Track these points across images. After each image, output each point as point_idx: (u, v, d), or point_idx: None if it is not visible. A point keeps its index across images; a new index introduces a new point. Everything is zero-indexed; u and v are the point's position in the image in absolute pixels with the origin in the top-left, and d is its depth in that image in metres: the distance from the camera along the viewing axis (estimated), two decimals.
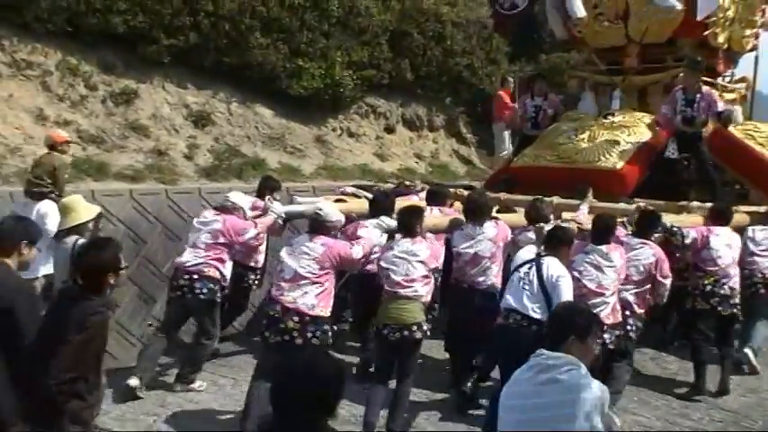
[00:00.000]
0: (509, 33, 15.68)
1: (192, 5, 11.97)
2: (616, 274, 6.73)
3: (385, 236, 7.07)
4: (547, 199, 8.22)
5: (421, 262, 6.52)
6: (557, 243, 6.46)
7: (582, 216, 7.94)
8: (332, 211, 6.75)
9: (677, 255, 8.16)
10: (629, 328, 7.05)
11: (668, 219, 8.11)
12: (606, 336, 6.38)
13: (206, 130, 12.14)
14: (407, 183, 11.08)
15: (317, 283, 6.28)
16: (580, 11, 11.80)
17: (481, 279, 7.22)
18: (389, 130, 15.21)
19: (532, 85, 12.84)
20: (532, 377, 3.59)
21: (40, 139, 9.58)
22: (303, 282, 6.25)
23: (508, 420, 3.64)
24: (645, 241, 7.33)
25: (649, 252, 7.22)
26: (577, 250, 6.83)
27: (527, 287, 6.24)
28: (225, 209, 7.70)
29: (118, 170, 10.34)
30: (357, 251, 6.56)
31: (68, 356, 4.16)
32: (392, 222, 7.13)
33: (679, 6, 11.22)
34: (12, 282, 4.52)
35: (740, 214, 8.89)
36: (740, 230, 8.65)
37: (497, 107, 15.05)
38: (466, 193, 9.06)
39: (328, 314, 6.37)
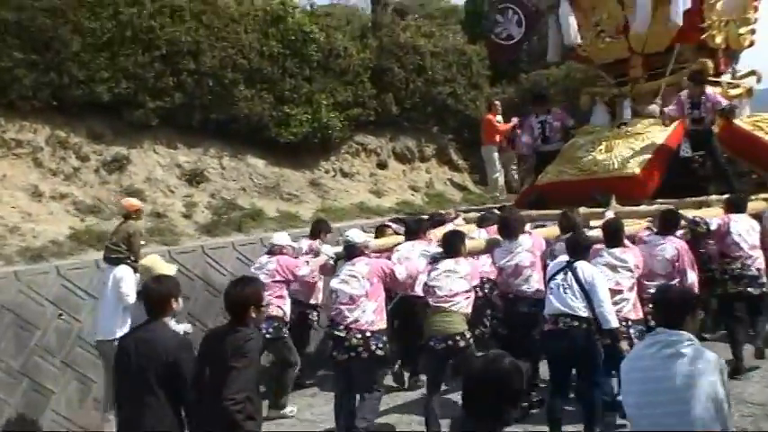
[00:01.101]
0: (505, 61, 16.35)
1: (174, 66, 12.05)
2: (630, 273, 7.32)
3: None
4: (564, 209, 8.83)
5: (462, 278, 7.24)
6: (582, 248, 7.15)
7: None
8: (356, 234, 7.70)
9: (702, 249, 8.71)
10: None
11: (690, 213, 8.73)
12: (632, 331, 7.06)
13: (201, 188, 12.16)
14: (442, 211, 11.61)
15: (371, 300, 7.09)
16: (576, 38, 12.61)
17: (525, 287, 7.78)
18: (382, 165, 15.25)
19: (534, 105, 13.47)
20: (656, 352, 4.04)
21: (38, 215, 9.61)
22: (360, 301, 7.05)
23: (636, 390, 4.11)
24: (668, 237, 7.92)
25: (671, 247, 7.80)
26: (593, 255, 7.39)
27: (568, 291, 6.80)
28: (274, 251, 8.45)
29: None
30: (400, 269, 7.52)
31: (236, 380, 4.74)
32: (434, 250, 8.01)
33: (644, 28, 11.70)
34: (175, 340, 5.12)
35: (758, 202, 9.47)
36: (758, 216, 9.08)
37: (486, 131, 15.12)
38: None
39: (385, 326, 7.20)
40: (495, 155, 15.14)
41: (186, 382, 4.90)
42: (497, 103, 15.74)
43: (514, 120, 15.09)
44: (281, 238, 8.75)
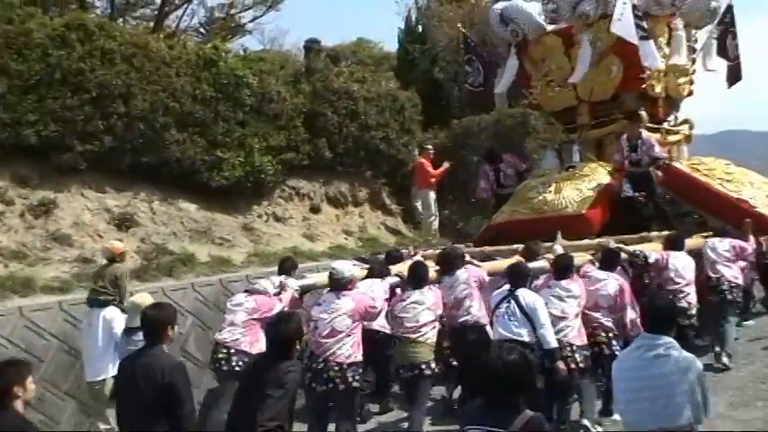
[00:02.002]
0: (478, 106, 17.01)
1: (104, 109, 11.88)
2: (576, 301, 7.96)
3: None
4: (521, 245, 9.68)
5: (428, 309, 7.77)
6: (522, 277, 7.90)
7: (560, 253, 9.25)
8: (345, 266, 7.98)
9: (647, 280, 9.58)
10: (614, 346, 8.13)
11: (631, 247, 9.66)
12: (576, 355, 7.72)
13: (131, 232, 11.94)
14: (402, 249, 11.99)
15: (351, 335, 7.36)
16: (503, 86, 13.87)
17: (467, 318, 8.28)
18: (315, 210, 15.24)
19: (487, 162, 14.51)
20: (642, 354, 4.74)
21: None
22: (339, 336, 7.31)
23: (627, 387, 4.79)
24: (609, 273, 8.60)
25: (614, 283, 8.47)
26: (542, 286, 8.22)
27: (513, 318, 7.52)
28: (253, 291, 8.65)
29: (44, 283, 10.05)
30: (379, 303, 7.82)
31: (270, 408, 5.18)
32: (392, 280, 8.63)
33: (581, 76, 12.53)
34: (169, 362, 5.40)
35: (697, 239, 10.42)
36: (697, 252, 9.94)
37: (421, 175, 15.27)
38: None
39: (361, 359, 7.47)
40: (432, 198, 15.31)
41: (181, 402, 5.24)
42: (430, 147, 15.95)
43: (446, 164, 15.31)
44: (265, 284, 8.84)
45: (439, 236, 15.36)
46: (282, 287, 8.73)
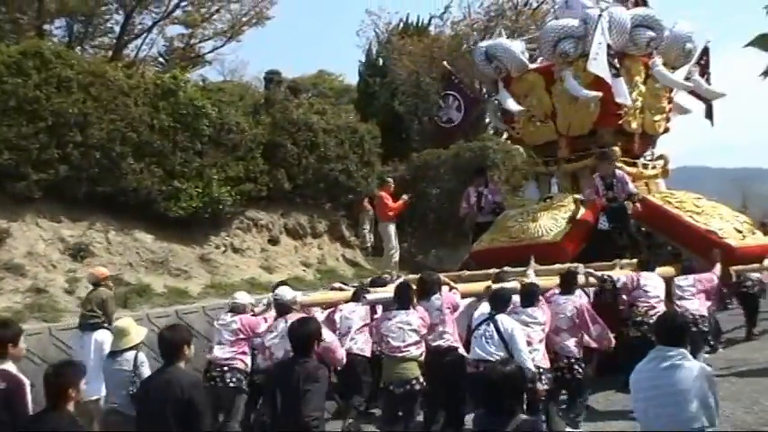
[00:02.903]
0: (449, 143, 17.37)
1: (60, 138, 11.77)
2: (541, 328, 8.34)
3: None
4: (499, 270, 10.13)
5: (413, 330, 8.01)
6: (502, 302, 8.25)
7: (532, 277, 9.77)
8: (286, 291, 8.46)
9: (622, 306, 10.09)
10: (575, 370, 8.61)
11: (600, 273, 10.22)
12: (542, 377, 8.06)
13: (85, 262, 11.76)
14: (385, 276, 12.29)
15: None
16: (515, 106, 13.77)
17: (440, 342, 8.39)
18: (273, 241, 15.16)
19: (474, 177, 14.95)
20: (656, 365, 5.07)
21: None
22: None
23: (644, 396, 5.11)
24: (569, 297, 9.05)
25: (571, 306, 8.91)
26: (509, 312, 8.32)
27: (490, 341, 7.84)
28: (237, 310, 8.75)
29: None
30: (327, 334, 7.71)
31: (312, 401, 5.65)
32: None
33: (592, 95, 12.79)
34: (188, 380, 5.62)
35: (669, 268, 10.95)
36: (668, 281, 10.49)
37: (381, 208, 15.30)
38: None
39: None
40: (392, 231, 15.34)
41: (200, 415, 5.47)
42: (390, 180, 15.99)
43: (405, 197, 15.38)
44: (243, 297, 9.06)
45: (398, 268, 15.36)
46: (269, 306, 8.87)
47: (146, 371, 7.18)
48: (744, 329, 13.29)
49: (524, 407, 5.05)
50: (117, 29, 20.39)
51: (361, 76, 24.25)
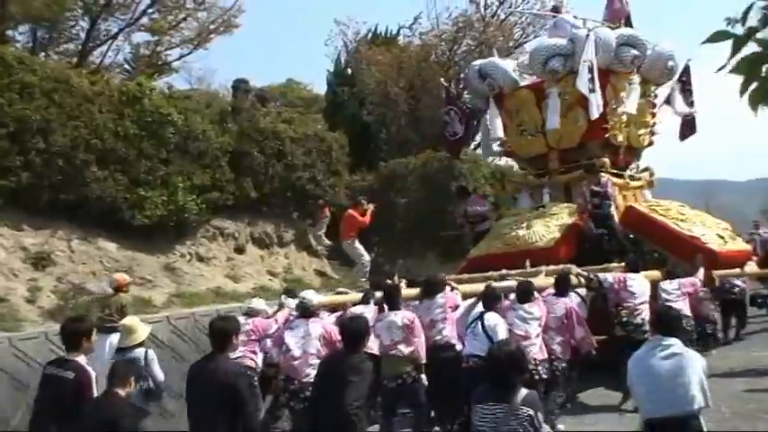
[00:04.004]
0: (455, 154, 17.66)
1: (22, 144, 11.60)
2: (537, 322, 8.98)
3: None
4: (496, 273, 10.82)
5: (400, 328, 8.56)
6: (491, 300, 8.82)
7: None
8: (312, 295, 8.91)
9: (613, 308, 10.42)
10: (554, 366, 9.10)
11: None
12: (539, 368, 8.68)
13: (47, 271, 11.58)
14: (388, 281, 12.40)
15: (319, 358, 7.91)
16: (499, 133, 14.91)
17: (438, 338, 8.92)
18: (239, 250, 15.06)
19: (458, 197, 16.16)
20: (656, 353, 5.66)
21: None
22: (309, 358, 8.11)
23: (646, 381, 5.65)
24: (561, 299, 9.62)
25: (562, 306, 9.51)
26: (508, 308, 9.11)
27: (477, 337, 8.42)
28: (251, 314, 9.23)
29: None
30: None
31: (355, 391, 6.09)
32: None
33: (556, 125, 13.77)
34: (233, 367, 6.16)
35: (655, 272, 11.47)
36: (654, 284, 10.98)
37: (346, 225, 15.22)
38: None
39: None
40: (357, 246, 15.30)
41: (245, 402, 5.90)
42: (364, 201, 15.83)
43: (371, 206, 15.35)
44: (259, 303, 9.61)
45: (368, 278, 15.32)
46: (281, 307, 9.41)
47: (156, 366, 7.96)
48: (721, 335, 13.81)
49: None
50: (82, 35, 20.16)
51: (329, 86, 24.22)
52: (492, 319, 8.54)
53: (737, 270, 13.02)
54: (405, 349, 8.54)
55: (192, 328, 11.42)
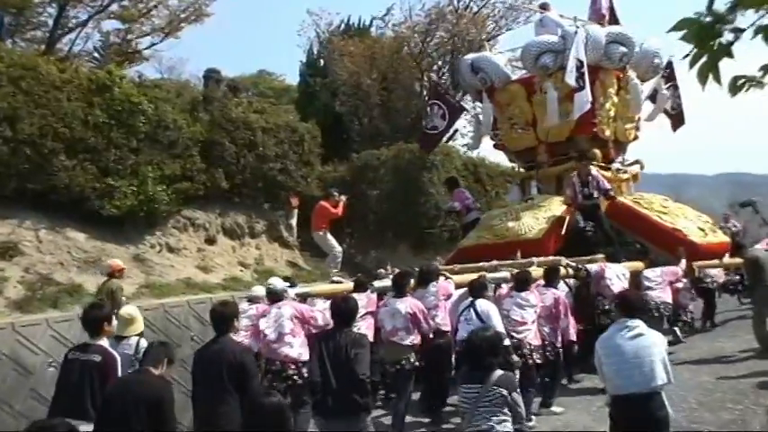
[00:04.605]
0: (430, 149, 17.85)
1: None
2: (533, 309, 9.44)
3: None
4: (488, 264, 11.13)
5: (402, 316, 8.96)
6: (479, 289, 9.26)
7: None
8: (277, 281, 9.48)
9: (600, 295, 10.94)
10: (548, 352, 9.56)
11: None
12: (535, 354, 9.19)
13: (14, 261, 11.39)
14: (381, 270, 13.22)
15: (295, 336, 8.54)
16: (487, 129, 15.87)
17: (431, 324, 9.35)
18: (210, 241, 14.93)
19: (448, 188, 16.72)
20: (623, 334, 6.08)
21: None
22: (285, 338, 8.51)
23: (613, 360, 6.03)
24: (550, 289, 10.06)
25: (551, 296, 9.92)
26: (506, 296, 9.66)
27: (471, 323, 8.65)
28: (253, 300, 9.82)
29: None
30: (318, 316, 8.84)
31: (362, 362, 6.53)
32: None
33: (557, 121, 14.11)
34: (239, 346, 6.80)
35: (638, 262, 12.17)
36: (637, 274, 11.65)
37: (317, 216, 15.14)
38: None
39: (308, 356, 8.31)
40: (329, 239, 15.25)
41: (249, 376, 6.39)
42: (336, 192, 15.76)
43: (343, 198, 15.30)
44: (260, 290, 10.03)
45: (339, 269, 15.28)
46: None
47: None
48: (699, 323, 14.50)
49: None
50: (50, 22, 19.85)
51: (301, 77, 24.14)
52: (484, 304, 8.96)
53: (717, 261, 13.58)
54: (405, 337, 8.99)
55: (162, 318, 11.29)
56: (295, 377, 8.40)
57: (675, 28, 3.09)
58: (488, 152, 24.72)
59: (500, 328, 8.53)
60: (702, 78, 3.22)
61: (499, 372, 5.61)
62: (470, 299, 9.18)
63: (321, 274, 14.97)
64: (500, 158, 22.91)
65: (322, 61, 24.27)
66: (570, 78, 13.51)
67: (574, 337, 9.98)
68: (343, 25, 25.67)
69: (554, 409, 9.48)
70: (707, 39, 3.01)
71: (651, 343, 6.04)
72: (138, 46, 22.32)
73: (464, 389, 5.74)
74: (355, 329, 9.29)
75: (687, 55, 3.12)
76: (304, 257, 16.84)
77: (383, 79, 23.13)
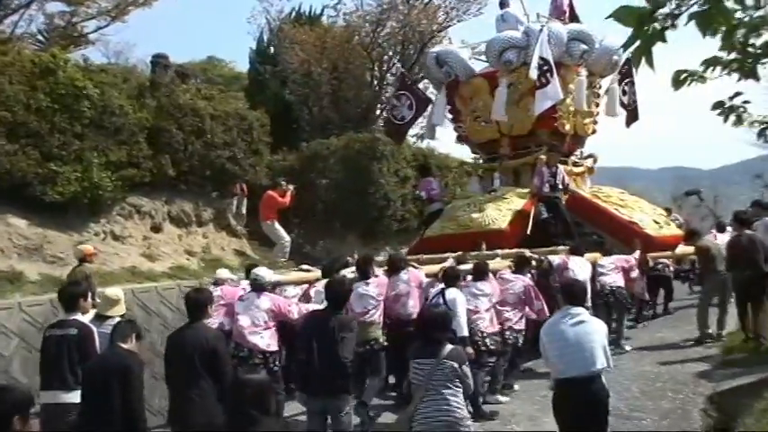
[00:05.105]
0: (400, 139, 18.38)
1: None
2: (487, 298, 9.80)
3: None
4: (454, 255, 11.48)
5: (371, 298, 9.36)
6: (451, 278, 9.64)
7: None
8: (265, 272, 9.43)
9: (556, 283, 11.08)
10: (507, 336, 9.99)
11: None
12: (487, 340, 9.58)
13: None
14: (348, 258, 13.06)
15: (267, 329, 8.80)
16: (440, 121, 16.43)
17: (403, 311, 9.78)
18: (156, 229, 14.73)
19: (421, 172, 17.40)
20: (566, 321, 6.46)
21: None
22: (257, 329, 8.75)
23: (557, 345, 6.41)
24: (518, 276, 10.45)
25: (521, 284, 10.35)
26: (462, 286, 9.83)
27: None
28: (218, 282, 10.21)
29: None
30: (294, 309, 9.08)
31: (348, 346, 6.94)
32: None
33: (503, 117, 14.92)
34: (212, 332, 7.00)
35: (594, 254, 12.56)
36: (594, 264, 12.04)
37: (265, 206, 15.03)
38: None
39: (277, 348, 8.96)
40: (277, 228, 15.15)
41: (223, 363, 6.63)
42: (284, 183, 15.61)
43: (291, 187, 15.22)
44: (224, 273, 10.78)
45: (287, 259, 15.22)
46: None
47: None
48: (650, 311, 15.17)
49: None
50: None
51: (251, 64, 23.90)
52: (452, 293, 9.32)
53: (669, 253, 14.10)
54: (376, 315, 9.39)
55: None
56: (260, 367, 8.52)
57: (614, 15, 3.09)
58: (438, 143, 24.82)
59: (463, 317, 9.12)
60: (636, 62, 3.26)
61: (450, 346, 6.04)
62: (441, 286, 9.61)
63: (269, 263, 14.83)
64: (450, 149, 23.02)
65: (272, 49, 24.04)
66: (533, 74, 13.97)
67: (548, 315, 10.10)
68: (294, 13, 25.47)
69: (498, 397, 9.86)
70: (643, 24, 3.04)
71: (593, 330, 6.41)
72: (84, 29, 21.79)
73: (417, 363, 6.08)
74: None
75: (624, 45, 3.14)
76: (252, 246, 16.74)
77: (334, 68, 23.03)
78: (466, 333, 9.15)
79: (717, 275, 11.96)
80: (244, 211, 16.77)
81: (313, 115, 22.66)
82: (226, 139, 16.07)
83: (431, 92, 18.88)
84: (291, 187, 15.25)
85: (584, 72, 15.63)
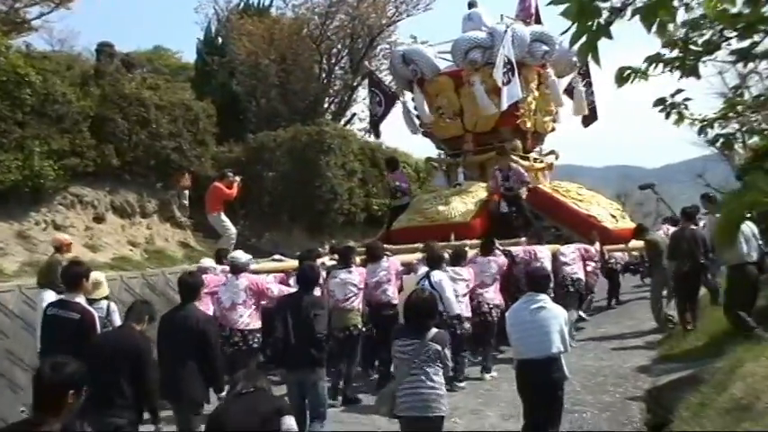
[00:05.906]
0: (377, 134, 19.11)
1: None
2: (465, 284, 10.37)
3: None
4: (422, 245, 11.72)
5: (353, 285, 9.91)
6: (436, 260, 10.15)
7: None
8: (240, 254, 10.15)
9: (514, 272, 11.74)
10: (492, 314, 10.72)
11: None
12: (465, 325, 10.15)
13: None
14: (320, 249, 14.20)
15: (247, 307, 9.42)
16: (427, 116, 16.63)
17: (383, 297, 10.35)
18: (99, 219, 14.52)
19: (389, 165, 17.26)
20: (527, 306, 7.04)
21: None
22: (237, 308, 9.38)
23: (519, 329, 7.01)
24: (490, 258, 11.23)
25: (495, 264, 11.18)
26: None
27: None
28: (201, 271, 10.05)
29: None
30: (273, 287, 9.79)
31: (321, 322, 7.58)
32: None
33: (493, 109, 15.27)
34: (202, 315, 7.32)
35: (554, 246, 13.00)
36: (554, 255, 12.50)
37: (211, 198, 14.91)
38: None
39: (259, 326, 9.49)
40: (223, 220, 15.06)
41: (212, 345, 7.00)
42: (231, 175, 15.50)
43: (237, 179, 15.13)
44: (207, 261, 11.21)
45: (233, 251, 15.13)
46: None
47: (116, 317, 8.89)
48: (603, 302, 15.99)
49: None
50: None
51: (198, 55, 23.69)
52: (438, 275, 9.82)
53: (623, 245, 14.77)
54: (356, 302, 9.89)
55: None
56: (240, 344, 9.30)
57: (555, 2, 3.09)
58: (385, 137, 24.91)
59: (452, 299, 9.75)
60: (582, 57, 3.31)
61: (435, 329, 6.36)
62: (425, 270, 10.07)
63: (214, 255, 14.78)
64: (398, 143, 23.14)
65: (220, 40, 23.87)
66: (497, 75, 14.51)
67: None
68: (242, 4, 25.33)
69: (494, 374, 10.52)
70: (586, 16, 3.06)
71: (552, 315, 6.96)
72: (27, 15, 21.39)
73: (401, 342, 6.37)
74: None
75: (565, 31, 3.15)
76: (196, 238, 16.62)
77: (282, 60, 22.97)
78: (457, 311, 9.88)
79: (665, 268, 12.40)
80: (186, 202, 16.64)
81: (260, 107, 22.58)
82: (171, 129, 15.91)
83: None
84: (238, 179, 15.17)
85: (551, 71, 16.28)
